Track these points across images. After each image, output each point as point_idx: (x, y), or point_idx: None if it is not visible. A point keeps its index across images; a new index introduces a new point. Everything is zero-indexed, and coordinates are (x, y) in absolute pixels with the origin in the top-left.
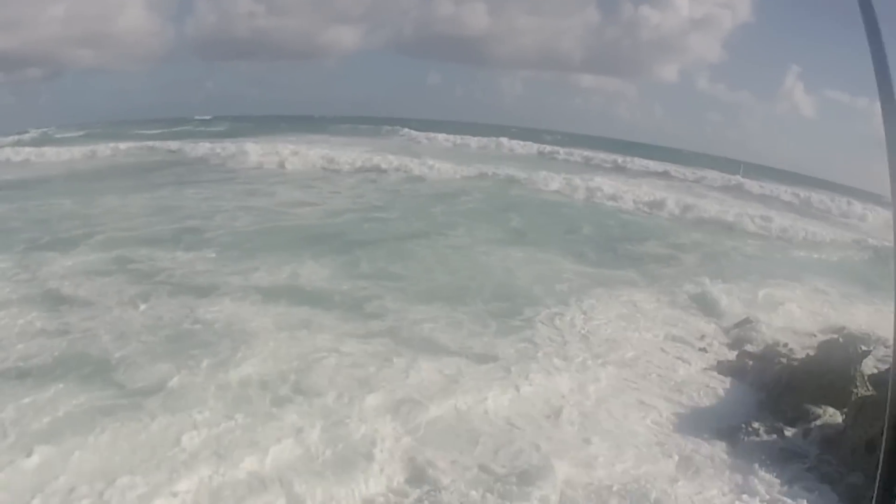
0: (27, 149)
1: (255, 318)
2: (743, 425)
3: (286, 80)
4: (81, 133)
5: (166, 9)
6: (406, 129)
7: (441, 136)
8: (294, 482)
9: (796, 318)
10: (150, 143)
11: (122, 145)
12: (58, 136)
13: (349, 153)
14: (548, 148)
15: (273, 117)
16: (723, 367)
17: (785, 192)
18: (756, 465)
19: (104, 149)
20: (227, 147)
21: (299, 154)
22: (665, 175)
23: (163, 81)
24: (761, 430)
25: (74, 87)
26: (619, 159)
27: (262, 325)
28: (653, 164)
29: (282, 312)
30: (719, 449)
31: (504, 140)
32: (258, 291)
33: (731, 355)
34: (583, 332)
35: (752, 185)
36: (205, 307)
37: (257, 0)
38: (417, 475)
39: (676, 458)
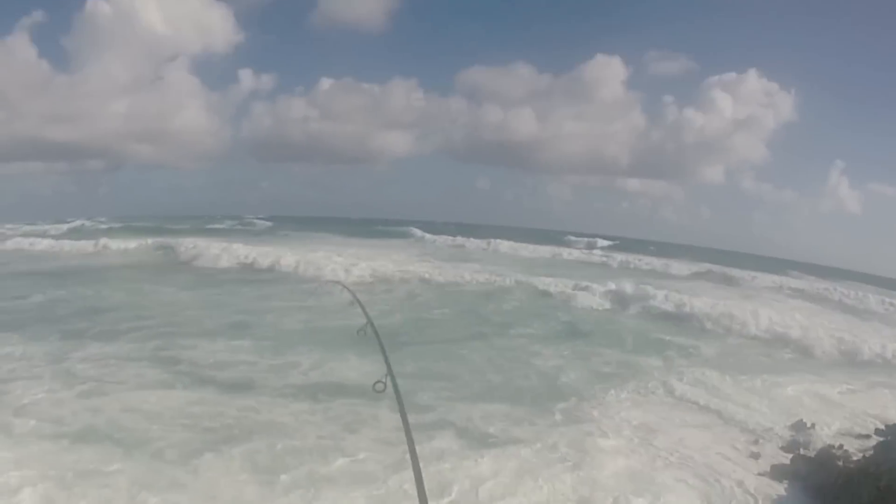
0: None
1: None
2: None
3: (339, 183)
4: (121, 225)
5: (224, 110)
6: (458, 237)
7: (479, 241)
8: None
9: (845, 417)
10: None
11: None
12: (91, 227)
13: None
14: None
15: (324, 219)
16: (777, 473)
17: (833, 289)
18: None
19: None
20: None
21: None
22: (711, 276)
23: (219, 179)
24: None
25: (133, 180)
26: (660, 262)
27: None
28: (696, 267)
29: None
30: None
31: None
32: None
33: (786, 459)
34: (625, 429)
35: (803, 284)
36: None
37: (311, 105)
38: None
39: None
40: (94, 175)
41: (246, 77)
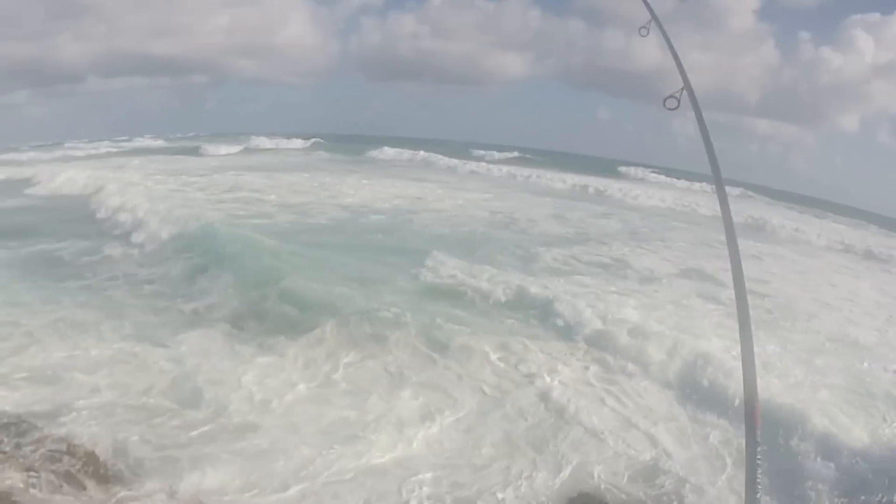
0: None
1: None
2: None
3: (450, 104)
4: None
5: (330, 25)
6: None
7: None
8: None
9: None
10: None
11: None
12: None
13: None
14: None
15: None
16: None
17: None
18: None
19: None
20: None
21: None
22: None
23: (326, 97)
24: None
25: (238, 95)
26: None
27: None
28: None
29: None
30: None
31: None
32: None
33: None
34: None
35: None
36: None
37: (421, 21)
38: None
39: None
40: (198, 90)
41: None
